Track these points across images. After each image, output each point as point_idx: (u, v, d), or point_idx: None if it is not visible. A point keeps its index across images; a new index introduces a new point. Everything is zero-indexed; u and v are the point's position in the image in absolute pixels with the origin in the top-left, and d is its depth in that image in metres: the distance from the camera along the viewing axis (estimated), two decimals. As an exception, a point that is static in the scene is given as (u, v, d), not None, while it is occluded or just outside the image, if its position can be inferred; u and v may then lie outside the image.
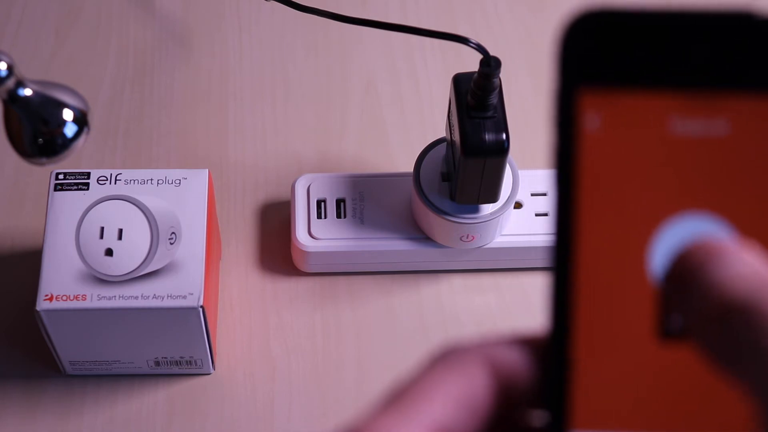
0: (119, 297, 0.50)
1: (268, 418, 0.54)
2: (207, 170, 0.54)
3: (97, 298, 0.50)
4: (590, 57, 0.24)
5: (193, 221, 0.52)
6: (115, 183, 0.53)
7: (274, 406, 0.54)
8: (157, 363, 0.54)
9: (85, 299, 0.49)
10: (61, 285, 0.50)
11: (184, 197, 0.52)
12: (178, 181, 0.53)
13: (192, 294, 0.50)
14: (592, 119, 0.24)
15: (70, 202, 0.52)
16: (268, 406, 0.54)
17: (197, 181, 0.53)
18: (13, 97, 0.43)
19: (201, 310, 0.50)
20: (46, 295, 0.49)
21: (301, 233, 0.57)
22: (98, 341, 0.52)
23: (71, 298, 0.49)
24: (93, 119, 0.46)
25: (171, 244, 0.51)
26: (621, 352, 0.24)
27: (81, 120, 0.45)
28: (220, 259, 0.58)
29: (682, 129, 0.24)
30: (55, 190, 0.52)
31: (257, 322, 0.57)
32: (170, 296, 0.50)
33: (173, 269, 0.50)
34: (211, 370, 0.55)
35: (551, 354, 0.24)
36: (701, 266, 0.23)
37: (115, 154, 0.62)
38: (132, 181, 0.53)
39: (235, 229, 0.60)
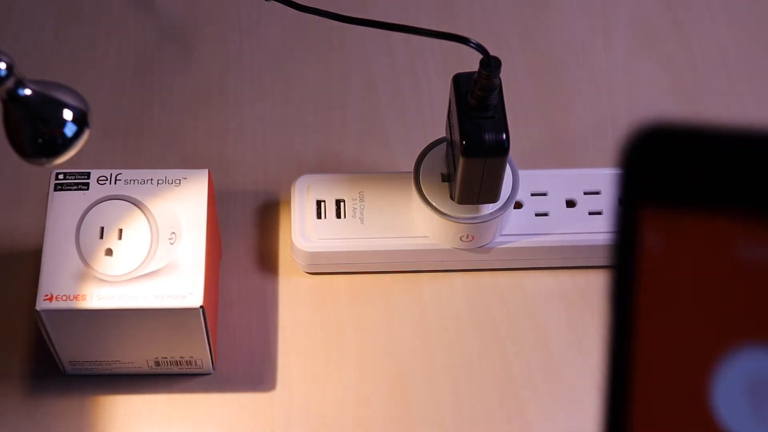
0: (119, 297, 0.50)
1: (268, 418, 0.54)
2: (207, 170, 0.54)
3: (97, 298, 0.50)
4: (655, 174, 0.22)
5: (193, 221, 0.52)
6: (115, 183, 0.53)
7: (274, 406, 0.54)
8: (157, 363, 0.54)
9: (85, 299, 0.49)
10: (61, 285, 0.50)
11: (184, 197, 0.52)
12: (178, 181, 0.53)
13: (192, 294, 0.50)
14: (653, 239, 0.22)
15: (70, 202, 0.52)
16: (268, 406, 0.54)
17: (197, 181, 0.53)
18: (13, 97, 0.43)
19: (201, 310, 0.50)
20: (46, 295, 0.49)
21: (301, 233, 0.57)
22: (98, 341, 0.52)
23: (71, 298, 0.49)
24: (93, 119, 0.46)
25: (171, 244, 0.51)
26: None
27: (81, 120, 0.45)
28: (220, 259, 0.58)
29: (749, 255, 0.22)
30: (55, 190, 0.52)
31: (257, 322, 0.57)
32: (170, 296, 0.50)
33: (173, 269, 0.50)
34: (211, 370, 0.55)
35: None
36: None
37: (115, 154, 0.62)
38: (132, 181, 0.53)
39: (235, 229, 0.60)
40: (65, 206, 0.52)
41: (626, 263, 0.23)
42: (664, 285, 0.22)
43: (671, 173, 0.22)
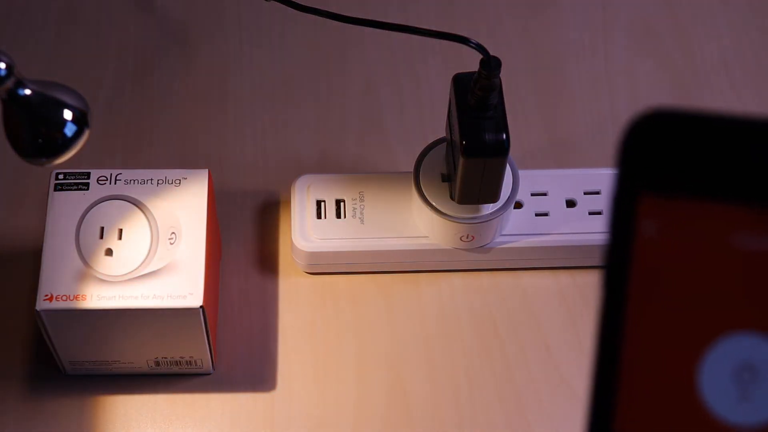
0: (119, 297, 0.50)
1: (268, 418, 0.54)
2: (207, 170, 0.54)
3: (97, 298, 0.50)
4: (652, 160, 0.22)
5: (193, 221, 0.52)
6: (115, 183, 0.53)
7: (274, 406, 0.54)
8: (157, 363, 0.54)
9: (85, 299, 0.49)
10: (61, 285, 0.50)
11: (184, 197, 0.52)
12: (178, 181, 0.53)
13: (192, 294, 0.50)
14: (648, 225, 0.23)
15: (70, 202, 0.52)
16: (268, 406, 0.54)
17: (197, 181, 0.53)
18: (13, 97, 0.43)
19: (201, 310, 0.50)
20: (46, 295, 0.49)
21: (301, 233, 0.57)
22: (98, 341, 0.52)
23: (71, 298, 0.49)
24: (93, 119, 0.46)
25: (171, 244, 0.51)
26: None
27: (81, 120, 0.45)
28: (220, 259, 0.58)
29: (744, 243, 0.22)
30: (55, 190, 0.52)
31: (257, 322, 0.57)
32: (170, 296, 0.50)
33: (173, 269, 0.50)
34: (211, 370, 0.55)
35: None
36: None
37: (115, 154, 0.62)
38: (132, 181, 0.53)
39: (235, 229, 0.60)
40: (65, 206, 0.52)
41: (620, 248, 0.23)
42: (657, 270, 0.23)
43: (668, 160, 0.22)
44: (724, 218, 0.22)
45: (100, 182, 0.53)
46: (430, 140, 0.57)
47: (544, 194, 0.58)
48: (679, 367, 0.23)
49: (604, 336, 0.23)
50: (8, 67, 0.42)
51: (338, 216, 0.57)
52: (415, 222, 0.57)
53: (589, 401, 0.23)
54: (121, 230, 0.52)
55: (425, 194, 0.55)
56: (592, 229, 0.57)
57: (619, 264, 0.23)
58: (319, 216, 0.57)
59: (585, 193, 0.58)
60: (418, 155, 0.56)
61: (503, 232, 0.57)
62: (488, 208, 0.55)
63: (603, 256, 0.23)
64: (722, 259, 0.22)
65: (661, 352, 0.23)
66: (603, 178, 0.58)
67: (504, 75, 0.50)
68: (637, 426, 0.23)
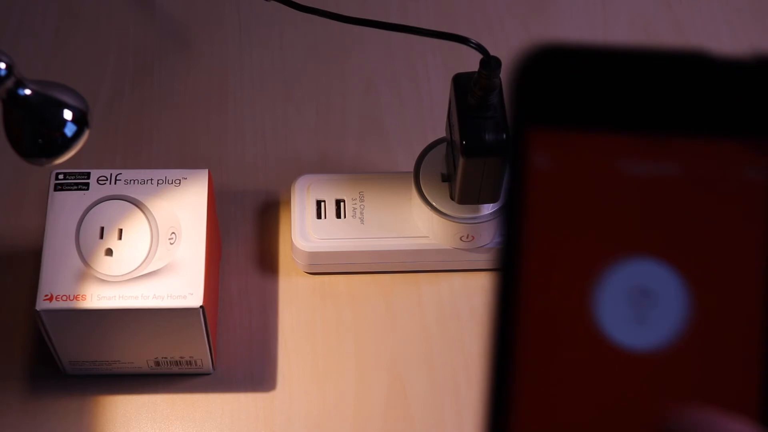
0: (119, 297, 0.50)
1: (268, 418, 0.54)
2: (207, 170, 0.54)
3: (97, 298, 0.50)
4: (542, 94, 0.23)
5: (193, 221, 0.52)
6: (115, 183, 0.53)
7: (275, 406, 0.54)
8: (157, 363, 0.54)
9: (85, 299, 0.49)
10: (61, 285, 0.50)
11: (184, 197, 0.52)
12: (178, 181, 0.53)
13: (192, 294, 0.50)
14: (541, 158, 0.23)
15: (70, 202, 0.52)
16: (268, 406, 0.54)
17: (197, 181, 0.53)
18: (13, 97, 0.43)
19: (201, 310, 0.50)
20: (46, 295, 0.49)
21: (301, 233, 0.57)
22: (98, 341, 0.52)
23: (71, 298, 0.49)
24: (93, 119, 0.46)
25: (171, 244, 0.51)
26: (561, 399, 0.23)
27: (81, 120, 0.45)
28: (220, 259, 0.58)
29: (634, 170, 0.23)
30: (55, 190, 0.52)
31: (257, 322, 0.57)
32: (170, 296, 0.50)
33: (173, 269, 0.50)
34: (211, 370, 0.55)
35: (490, 390, 0.24)
36: None
37: (115, 154, 0.62)
38: (132, 181, 0.53)
39: (235, 229, 0.60)
40: (65, 206, 0.52)
41: (515, 182, 0.23)
42: (551, 203, 0.23)
43: (558, 94, 0.23)
44: (614, 147, 0.23)
45: (100, 182, 0.53)
46: (430, 140, 0.57)
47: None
48: (576, 296, 0.23)
49: (502, 268, 0.23)
50: (8, 67, 0.42)
51: (338, 216, 0.57)
52: (415, 222, 0.57)
53: (489, 334, 0.23)
54: (121, 230, 0.52)
55: (425, 194, 0.55)
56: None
57: (516, 198, 0.23)
58: (319, 216, 0.57)
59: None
60: (418, 155, 0.56)
61: (503, 232, 0.57)
62: (488, 208, 0.55)
63: (503, 194, 0.24)
64: (614, 187, 0.23)
65: (557, 282, 0.23)
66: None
67: (504, 75, 0.50)
68: (536, 354, 0.23)
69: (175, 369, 0.54)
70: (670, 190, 0.23)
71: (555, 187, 0.23)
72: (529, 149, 0.23)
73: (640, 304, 0.23)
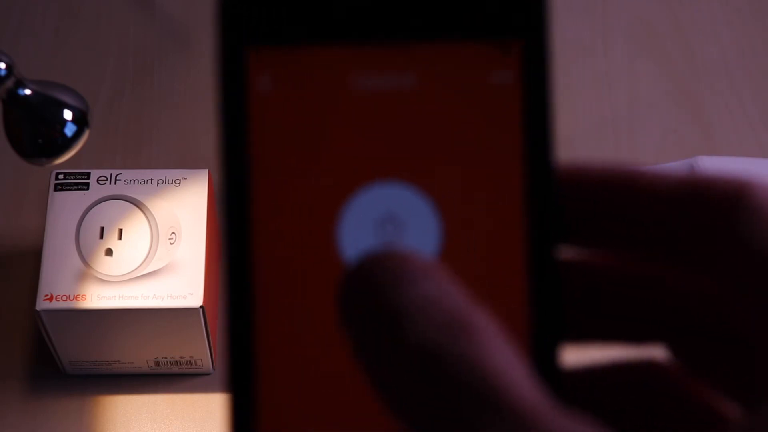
0: (119, 297, 0.50)
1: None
2: (207, 170, 0.54)
3: (97, 298, 0.50)
4: (254, 14, 0.21)
5: (193, 221, 0.52)
6: (115, 183, 0.53)
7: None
8: (157, 363, 0.54)
9: (85, 299, 0.49)
10: (61, 285, 0.50)
11: (184, 197, 0.52)
12: (178, 181, 0.53)
13: (192, 294, 0.50)
14: (261, 81, 0.21)
15: (70, 202, 0.52)
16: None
17: (197, 181, 0.53)
18: (13, 97, 0.43)
19: (201, 310, 0.50)
20: (46, 295, 0.49)
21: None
22: (98, 341, 0.52)
23: (71, 298, 0.49)
24: (93, 119, 0.46)
25: (171, 244, 0.51)
26: (306, 338, 0.21)
27: (81, 120, 0.45)
28: (220, 259, 0.58)
29: (365, 86, 0.21)
30: (55, 190, 0.52)
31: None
32: (170, 296, 0.50)
33: (173, 269, 0.51)
34: (211, 370, 0.55)
35: (230, 336, 0.21)
36: (383, 289, 0.19)
37: (115, 154, 0.62)
38: (132, 181, 0.53)
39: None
40: (65, 206, 0.52)
41: (234, 110, 0.21)
42: (278, 129, 0.21)
43: (271, 10, 0.21)
44: (343, 62, 0.21)
45: (100, 182, 0.53)
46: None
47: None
48: (318, 228, 0.21)
49: (230, 205, 0.21)
50: (8, 67, 0.43)
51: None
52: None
53: (223, 273, 0.22)
54: (121, 230, 0.52)
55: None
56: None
57: (236, 128, 0.21)
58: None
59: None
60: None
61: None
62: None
63: (217, 123, 0.22)
64: (347, 106, 0.21)
65: (296, 216, 0.21)
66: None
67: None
68: (278, 291, 0.21)
69: (175, 369, 0.54)
70: (409, 103, 0.21)
71: (280, 111, 0.21)
72: (248, 73, 0.21)
73: (390, 233, 0.22)
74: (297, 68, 0.21)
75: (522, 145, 0.21)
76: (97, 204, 0.52)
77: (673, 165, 0.59)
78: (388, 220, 0.22)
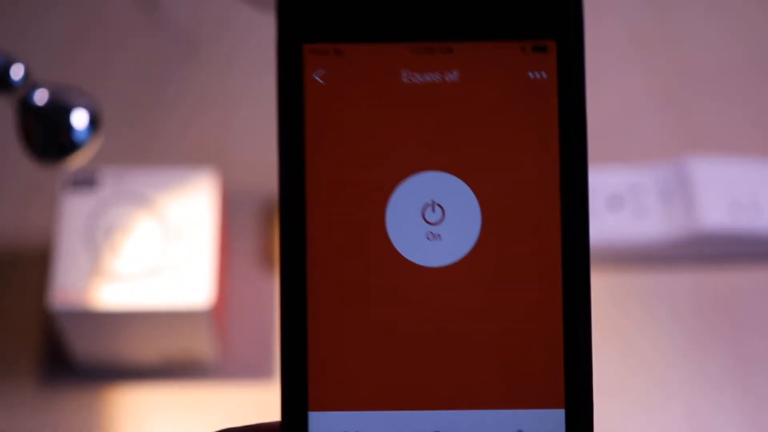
0: (127, 297, 0.50)
1: (269, 417, 0.54)
2: (214, 170, 0.54)
3: (107, 297, 0.50)
4: (313, 10, 0.23)
5: (199, 221, 0.52)
6: (124, 183, 0.53)
7: (276, 406, 0.55)
8: (165, 361, 0.54)
9: (94, 299, 0.50)
10: (70, 285, 0.50)
11: (191, 197, 0.53)
12: (185, 181, 0.53)
13: (199, 294, 0.50)
14: (319, 75, 0.23)
15: (79, 203, 0.52)
16: (270, 405, 0.55)
17: (204, 180, 0.53)
18: (27, 101, 0.44)
19: (207, 310, 0.50)
20: (57, 295, 0.50)
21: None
22: (106, 340, 0.53)
23: (81, 297, 0.50)
24: (104, 122, 0.46)
25: (178, 243, 0.52)
26: (357, 320, 0.23)
27: (92, 122, 0.46)
28: (226, 258, 0.59)
29: (412, 83, 0.23)
30: (65, 190, 0.53)
31: (261, 322, 0.57)
32: (179, 295, 0.50)
33: (180, 269, 0.51)
34: (218, 370, 0.55)
35: (285, 321, 0.23)
36: None
37: (122, 153, 0.62)
38: (141, 181, 0.53)
39: (241, 228, 0.60)
40: (74, 206, 0.52)
41: (292, 102, 0.23)
42: (332, 121, 0.23)
43: (333, 6, 0.23)
44: (392, 60, 0.23)
45: (107, 182, 0.53)
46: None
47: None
48: (367, 214, 0.23)
49: (285, 191, 0.23)
50: (23, 72, 0.43)
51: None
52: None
53: (279, 259, 0.23)
54: (128, 230, 0.52)
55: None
56: (591, 229, 0.57)
57: (294, 119, 0.23)
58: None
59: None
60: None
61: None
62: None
63: (277, 115, 0.23)
64: (397, 101, 0.23)
65: (347, 202, 0.23)
66: (597, 177, 0.59)
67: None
68: (330, 274, 0.23)
69: (182, 367, 0.55)
70: (453, 98, 0.23)
71: (334, 104, 0.23)
72: (304, 67, 0.23)
73: (433, 221, 0.23)
74: (350, 64, 0.23)
75: (558, 137, 0.24)
76: (105, 204, 0.53)
77: (660, 166, 0.59)
78: (432, 208, 0.23)
